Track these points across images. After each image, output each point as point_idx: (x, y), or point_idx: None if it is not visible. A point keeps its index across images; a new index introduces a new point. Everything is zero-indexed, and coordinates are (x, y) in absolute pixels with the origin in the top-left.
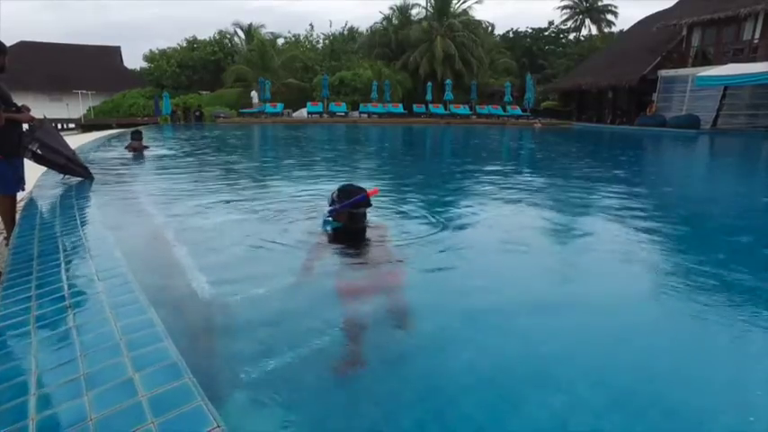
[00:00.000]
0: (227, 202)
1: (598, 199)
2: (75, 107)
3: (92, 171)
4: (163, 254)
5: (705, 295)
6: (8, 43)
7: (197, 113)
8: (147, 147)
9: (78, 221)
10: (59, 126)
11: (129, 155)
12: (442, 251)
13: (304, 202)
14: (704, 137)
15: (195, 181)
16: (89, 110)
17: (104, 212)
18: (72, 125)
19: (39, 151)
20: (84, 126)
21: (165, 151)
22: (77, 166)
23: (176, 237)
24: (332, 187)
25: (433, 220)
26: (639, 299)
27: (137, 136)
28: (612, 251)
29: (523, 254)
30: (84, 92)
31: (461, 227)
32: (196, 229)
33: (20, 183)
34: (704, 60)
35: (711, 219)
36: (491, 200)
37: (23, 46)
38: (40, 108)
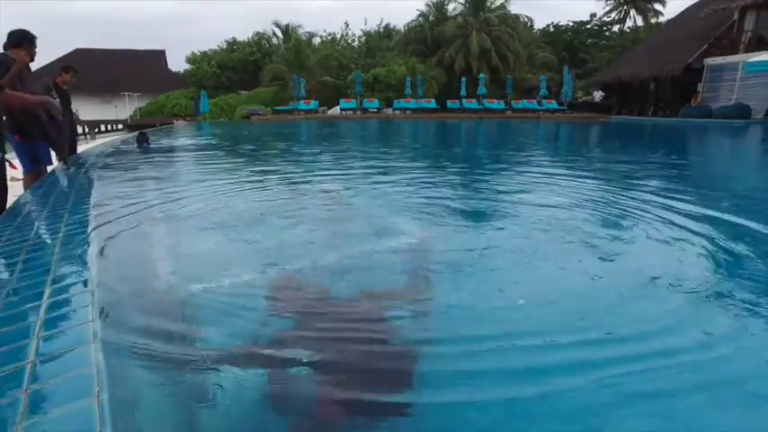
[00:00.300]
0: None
1: (635, 201)
2: (123, 108)
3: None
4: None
5: None
6: (65, 50)
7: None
8: (148, 137)
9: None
10: (108, 127)
11: (137, 149)
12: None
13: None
14: (755, 127)
15: (209, 171)
16: (135, 111)
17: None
18: (120, 126)
19: None
20: (131, 126)
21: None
22: (56, 133)
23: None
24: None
25: (465, 223)
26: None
27: (142, 137)
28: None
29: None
30: (130, 94)
31: (500, 235)
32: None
33: (35, 163)
34: (759, 45)
35: None
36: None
37: (79, 53)
38: (92, 110)
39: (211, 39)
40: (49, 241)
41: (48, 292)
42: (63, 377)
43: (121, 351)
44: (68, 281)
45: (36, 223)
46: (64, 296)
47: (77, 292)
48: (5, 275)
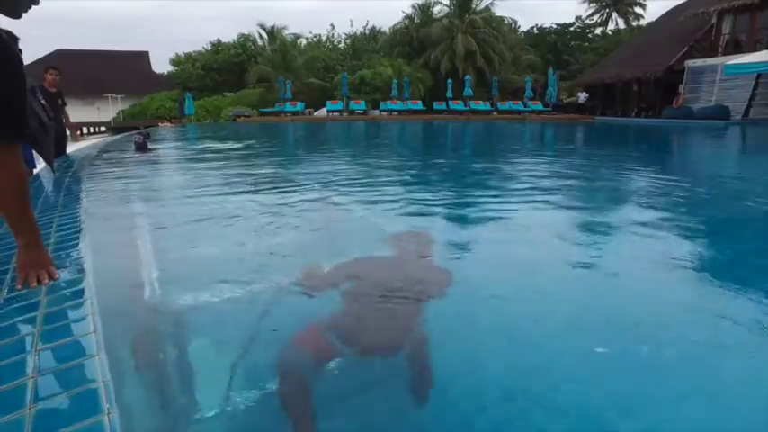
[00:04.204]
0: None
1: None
2: (106, 110)
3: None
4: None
5: None
6: (46, 51)
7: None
8: (147, 143)
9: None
10: (90, 129)
11: (134, 150)
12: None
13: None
14: (734, 128)
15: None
16: (119, 113)
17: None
18: (103, 128)
19: None
20: (114, 129)
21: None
22: (45, 141)
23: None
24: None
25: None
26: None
27: (139, 138)
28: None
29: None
30: (113, 96)
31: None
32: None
33: None
34: (736, 48)
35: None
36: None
37: (60, 54)
38: (74, 112)
39: (195, 40)
40: None
41: (43, 302)
42: (69, 394)
43: (125, 363)
44: (64, 290)
45: None
46: (61, 306)
47: (75, 301)
48: None
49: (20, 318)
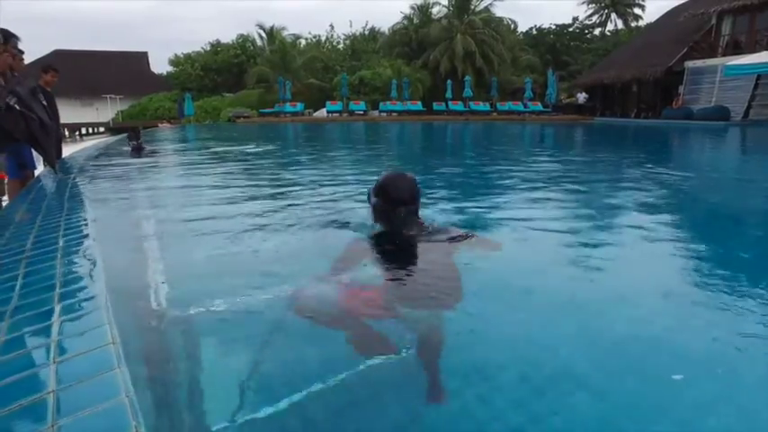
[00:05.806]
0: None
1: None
2: (104, 111)
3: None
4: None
5: None
6: (44, 52)
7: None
8: (141, 144)
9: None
10: (89, 130)
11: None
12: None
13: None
14: (734, 129)
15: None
16: (117, 113)
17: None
18: (101, 129)
19: (16, 106)
20: (113, 129)
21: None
22: (47, 141)
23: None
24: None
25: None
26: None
27: (133, 142)
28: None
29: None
30: (112, 96)
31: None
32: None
33: (21, 169)
34: (735, 49)
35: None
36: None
37: (58, 54)
38: (72, 113)
39: (194, 40)
40: (48, 253)
41: (57, 310)
42: (93, 410)
43: (147, 376)
44: (78, 297)
45: (31, 234)
46: (75, 314)
47: (89, 309)
48: (6, 293)
49: (33, 327)
